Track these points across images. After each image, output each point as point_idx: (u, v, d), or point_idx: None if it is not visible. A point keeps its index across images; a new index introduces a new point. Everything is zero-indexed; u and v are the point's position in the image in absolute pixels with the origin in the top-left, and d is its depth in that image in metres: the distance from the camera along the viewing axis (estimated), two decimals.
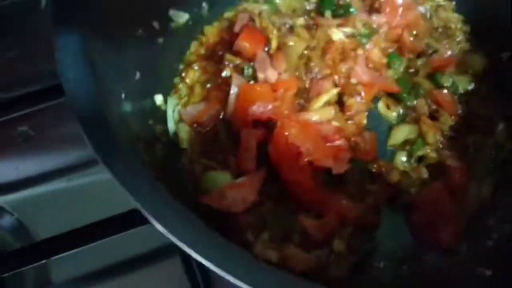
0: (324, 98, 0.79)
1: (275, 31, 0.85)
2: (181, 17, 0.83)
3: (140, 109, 0.72)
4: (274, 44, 0.84)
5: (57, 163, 0.89)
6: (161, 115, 0.79)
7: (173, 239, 0.41)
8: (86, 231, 0.75)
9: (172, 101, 0.81)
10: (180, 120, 0.80)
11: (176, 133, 0.79)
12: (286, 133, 0.72)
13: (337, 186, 0.75)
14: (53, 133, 0.92)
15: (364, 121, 0.80)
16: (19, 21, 0.99)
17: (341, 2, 0.90)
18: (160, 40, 0.79)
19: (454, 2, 0.92)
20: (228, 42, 0.86)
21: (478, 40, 0.89)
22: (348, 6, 0.89)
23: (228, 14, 0.91)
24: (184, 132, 0.79)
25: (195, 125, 0.79)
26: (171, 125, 0.80)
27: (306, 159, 0.72)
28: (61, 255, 0.74)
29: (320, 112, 0.78)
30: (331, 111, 0.78)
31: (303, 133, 0.73)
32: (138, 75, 0.73)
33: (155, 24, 0.77)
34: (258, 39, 0.84)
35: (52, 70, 0.92)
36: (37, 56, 0.96)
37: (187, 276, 0.78)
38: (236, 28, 0.86)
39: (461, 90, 0.83)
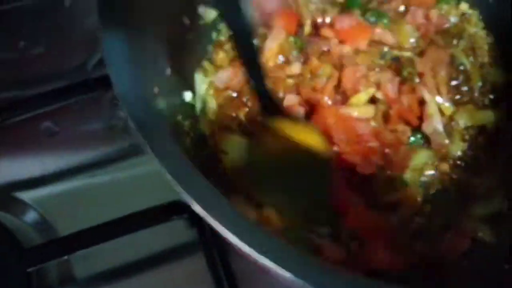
0: (363, 96, 0.79)
1: (308, 20, 0.87)
2: (210, 14, 0.83)
3: (170, 105, 0.72)
4: (307, 30, 0.87)
5: (81, 160, 0.89)
6: (189, 110, 0.79)
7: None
8: (108, 226, 0.77)
9: (198, 77, 0.83)
10: (207, 93, 0.82)
11: (202, 110, 0.81)
12: (323, 121, 0.76)
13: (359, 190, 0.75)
14: (78, 129, 0.92)
15: (405, 137, 0.79)
16: (44, 18, 0.99)
17: (369, 6, 0.90)
18: (190, 36, 0.80)
19: (478, 11, 0.90)
20: (259, 20, 0.86)
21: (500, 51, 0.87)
22: (381, 14, 0.88)
23: None
24: (213, 103, 0.81)
25: (229, 90, 0.82)
26: (199, 102, 0.81)
27: (335, 149, 0.74)
28: (84, 250, 0.75)
29: (360, 109, 0.79)
30: (371, 110, 0.79)
31: (339, 124, 0.76)
32: (168, 71, 0.73)
33: (185, 20, 0.78)
34: (292, 20, 0.87)
35: (77, 67, 0.95)
36: (62, 53, 0.97)
37: (210, 272, 0.78)
38: (268, 8, 0.87)
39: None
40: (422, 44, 0.86)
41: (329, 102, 0.80)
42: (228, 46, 0.87)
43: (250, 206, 0.73)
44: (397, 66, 0.85)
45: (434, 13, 0.87)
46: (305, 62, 0.85)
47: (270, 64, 0.84)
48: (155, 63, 0.68)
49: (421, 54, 0.86)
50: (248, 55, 0.69)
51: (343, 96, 0.82)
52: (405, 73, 0.84)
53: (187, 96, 0.80)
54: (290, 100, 0.81)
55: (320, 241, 0.72)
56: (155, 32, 0.68)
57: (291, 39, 0.86)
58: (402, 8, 0.89)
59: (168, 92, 0.72)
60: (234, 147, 0.79)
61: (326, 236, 0.73)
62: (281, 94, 0.83)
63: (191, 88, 0.81)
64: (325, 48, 0.86)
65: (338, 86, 0.82)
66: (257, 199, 0.73)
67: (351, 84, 0.81)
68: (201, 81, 0.83)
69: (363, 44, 0.86)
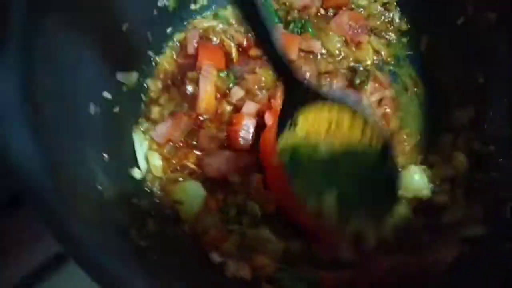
0: None
1: (232, 44, 0.85)
2: (131, 78, 0.77)
3: (121, 192, 0.65)
4: (234, 54, 0.85)
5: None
6: (143, 188, 0.74)
7: None
8: None
9: (137, 137, 0.78)
10: (149, 149, 0.78)
11: (148, 170, 0.76)
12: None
13: None
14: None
15: None
16: None
17: (289, 18, 0.88)
18: (116, 109, 0.73)
19: None
20: (185, 65, 0.84)
21: None
22: (305, 23, 0.87)
23: (178, 36, 0.87)
24: (156, 159, 0.77)
25: (170, 143, 0.78)
26: (142, 163, 0.76)
27: None
28: None
29: None
30: None
31: None
32: (106, 156, 0.66)
33: (107, 95, 0.71)
34: (218, 54, 0.84)
35: None
36: None
37: None
38: (190, 49, 0.85)
39: None
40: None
41: None
42: (163, 99, 0.82)
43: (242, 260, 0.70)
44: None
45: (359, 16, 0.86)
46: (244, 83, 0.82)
47: (212, 103, 0.80)
48: (83, 159, 0.61)
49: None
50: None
51: None
52: (357, 81, 0.82)
53: (136, 173, 0.74)
54: (250, 108, 0.79)
55: (316, 272, 0.69)
56: (71, 122, 0.61)
57: (223, 74, 0.82)
58: (322, 11, 0.87)
59: (114, 180, 0.66)
60: (189, 193, 0.74)
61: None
62: None
63: (136, 163, 0.75)
64: (257, 67, 0.83)
65: None
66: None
67: None
68: (140, 140, 0.78)
69: (294, 55, 0.83)
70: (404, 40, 0.88)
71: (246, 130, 0.77)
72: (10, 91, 0.48)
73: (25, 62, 0.51)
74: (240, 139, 0.76)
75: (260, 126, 0.77)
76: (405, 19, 0.88)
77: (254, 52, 0.85)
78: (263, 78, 0.81)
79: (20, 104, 0.48)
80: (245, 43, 0.86)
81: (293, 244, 0.72)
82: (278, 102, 0.77)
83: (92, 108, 0.66)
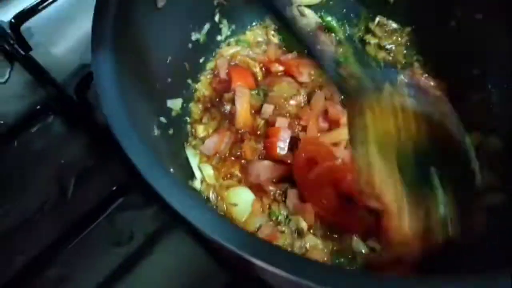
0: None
1: (256, 64, 0.97)
2: (177, 103, 0.88)
3: None
4: (259, 75, 0.97)
5: None
6: (201, 195, 0.84)
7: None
8: None
9: (189, 152, 0.88)
10: (200, 161, 0.88)
11: (203, 179, 0.86)
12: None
13: None
14: None
15: None
16: None
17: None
18: (170, 131, 0.83)
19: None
20: (220, 89, 0.95)
21: None
22: None
23: (210, 65, 0.99)
24: (208, 169, 0.87)
25: (217, 155, 0.88)
26: (197, 173, 0.86)
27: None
28: None
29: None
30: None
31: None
32: (172, 170, 0.75)
33: (163, 119, 0.81)
34: (247, 75, 0.96)
35: None
36: None
37: None
38: (222, 75, 0.96)
39: None
40: None
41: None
42: (206, 119, 0.92)
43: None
44: None
45: None
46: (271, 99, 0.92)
47: (248, 118, 0.91)
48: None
49: None
50: None
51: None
52: None
53: (196, 183, 0.84)
54: (282, 123, 0.88)
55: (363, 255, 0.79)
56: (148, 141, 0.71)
57: (254, 92, 0.93)
58: None
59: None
60: (241, 197, 0.84)
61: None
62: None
63: (193, 174, 0.86)
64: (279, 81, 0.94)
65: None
66: None
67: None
68: (192, 155, 0.88)
69: (305, 77, 0.96)
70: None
71: (283, 140, 0.86)
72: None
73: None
74: (277, 149, 0.86)
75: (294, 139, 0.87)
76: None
77: (275, 68, 0.97)
78: (285, 90, 0.92)
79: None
80: (266, 60, 0.99)
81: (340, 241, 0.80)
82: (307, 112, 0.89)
83: (156, 131, 0.77)
